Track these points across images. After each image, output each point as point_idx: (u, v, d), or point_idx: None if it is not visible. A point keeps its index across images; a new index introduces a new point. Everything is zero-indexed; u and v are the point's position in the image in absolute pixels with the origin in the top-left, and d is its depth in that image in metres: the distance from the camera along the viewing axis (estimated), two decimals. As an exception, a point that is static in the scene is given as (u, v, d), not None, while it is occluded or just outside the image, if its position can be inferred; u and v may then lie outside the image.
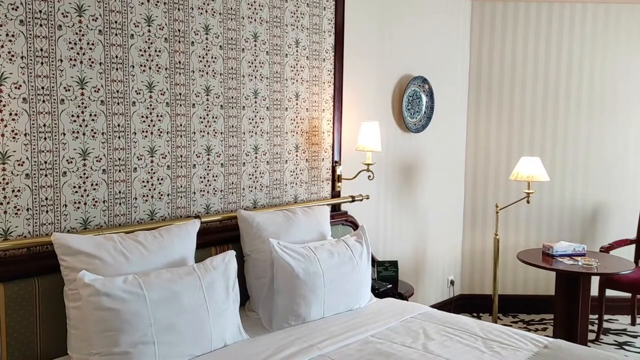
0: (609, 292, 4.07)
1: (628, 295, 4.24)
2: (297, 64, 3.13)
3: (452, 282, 4.48)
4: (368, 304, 2.90)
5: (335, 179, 3.42)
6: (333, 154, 3.40)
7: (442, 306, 4.23)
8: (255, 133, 2.95)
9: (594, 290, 4.00)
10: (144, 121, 2.48)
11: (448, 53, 4.28)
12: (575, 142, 4.45)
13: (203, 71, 2.69)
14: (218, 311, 2.24)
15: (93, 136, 2.32)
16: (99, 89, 2.31)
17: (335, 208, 3.45)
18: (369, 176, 3.38)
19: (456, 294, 4.54)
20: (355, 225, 3.43)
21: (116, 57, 2.36)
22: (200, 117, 2.70)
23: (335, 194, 3.44)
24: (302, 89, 3.17)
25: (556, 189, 4.46)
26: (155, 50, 2.49)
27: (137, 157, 2.47)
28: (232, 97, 2.83)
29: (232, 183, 2.87)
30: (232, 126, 2.84)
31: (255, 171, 2.97)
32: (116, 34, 2.35)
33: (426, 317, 2.73)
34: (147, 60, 2.47)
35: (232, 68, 2.81)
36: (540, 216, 4.49)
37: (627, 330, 4.21)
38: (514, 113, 4.46)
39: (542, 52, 4.40)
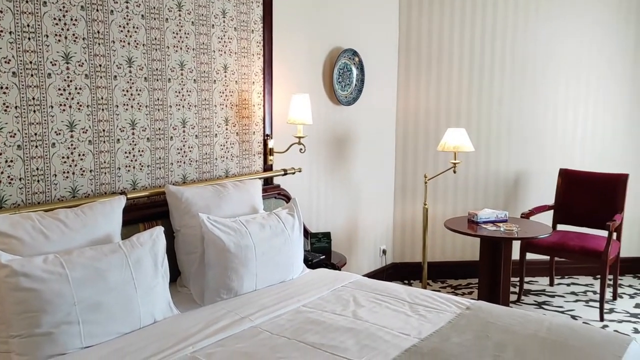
0: (530, 256, 4.31)
1: (546, 258, 4.52)
2: (224, 35, 3.06)
3: (384, 252, 4.61)
4: (300, 275, 2.94)
5: (267, 152, 3.41)
6: (264, 127, 3.38)
7: (375, 275, 4.35)
8: (183, 106, 2.88)
9: (516, 254, 4.23)
10: (62, 94, 2.36)
11: (377, 26, 4.31)
12: (498, 114, 4.63)
13: (124, 42, 2.58)
14: (146, 288, 2.20)
15: (5, 110, 2.19)
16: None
17: (267, 181, 3.44)
18: (301, 149, 3.39)
19: (388, 263, 4.67)
20: (288, 199, 3.44)
21: (27, 25, 2.22)
22: (123, 90, 2.60)
23: (267, 167, 3.43)
24: (231, 61, 3.12)
25: (481, 159, 4.64)
26: (71, 19, 2.37)
27: (55, 132, 2.36)
28: (157, 69, 2.74)
29: (160, 158, 2.80)
30: (158, 99, 2.76)
31: (184, 145, 2.91)
32: None
33: (356, 286, 2.81)
34: (62, 29, 2.34)
35: (155, 39, 2.71)
36: (467, 185, 4.67)
37: (546, 290, 4.49)
38: (442, 85, 4.57)
39: (468, 25, 4.52)
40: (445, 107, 4.59)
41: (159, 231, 2.37)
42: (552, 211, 4.45)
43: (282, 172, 3.44)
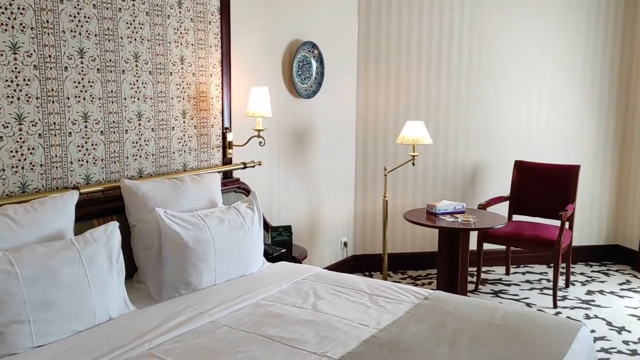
0: (486, 246, 4.40)
1: (503, 247, 4.63)
2: (180, 27, 3.01)
3: (345, 244, 4.63)
4: (261, 268, 2.93)
5: (226, 145, 3.37)
6: (223, 120, 3.34)
7: (336, 267, 4.38)
8: (138, 99, 2.82)
9: (473, 245, 4.31)
10: (9, 85, 2.27)
11: (337, 19, 4.31)
12: (456, 107, 4.70)
13: (75, 32, 2.50)
14: (101, 284, 2.16)
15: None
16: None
17: (227, 175, 3.41)
18: (260, 142, 3.37)
19: (349, 255, 4.70)
20: (247, 192, 3.42)
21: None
22: (75, 82, 2.52)
23: (226, 161, 3.39)
24: (188, 53, 3.06)
25: (439, 152, 4.71)
26: (18, 8, 2.28)
27: (3, 125, 2.27)
28: (110, 60, 2.67)
29: (114, 151, 2.73)
30: (112, 91, 2.69)
31: (140, 139, 2.85)
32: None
33: (317, 278, 2.82)
34: (9, 18, 2.25)
35: (108, 29, 2.64)
36: (426, 177, 4.74)
37: (502, 279, 4.60)
38: (401, 79, 4.61)
39: (426, 20, 4.57)
40: (404, 101, 4.64)
41: (113, 226, 2.32)
42: (508, 202, 4.57)
43: (242, 166, 3.41)
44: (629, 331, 3.55)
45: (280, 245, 3.52)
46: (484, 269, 4.74)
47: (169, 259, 2.50)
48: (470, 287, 4.34)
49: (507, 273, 4.70)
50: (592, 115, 4.90)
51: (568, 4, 4.74)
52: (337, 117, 4.42)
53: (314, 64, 4.03)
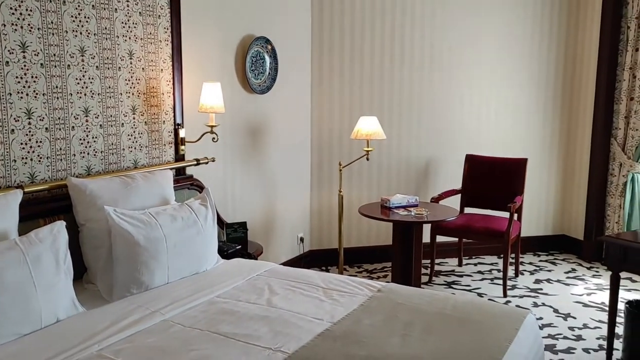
0: (439, 238, 4.50)
1: (455, 239, 4.74)
2: (129, 20, 2.94)
3: (301, 239, 4.64)
4: (215, 266, 2.90)
5: (178, 142, 3.32)
6: (175, 116, 3.29)
7: (293, 263, 4.38)
8: (85, 94, 2.74)
9: (427, 237, 4.40)
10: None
11: (290, 14, 4.30)
12: (409, 103, 4.78)
13: (17, 25, 2.41)
14: (47, 286, 2.10)
15: None
16: None
17: (180, 172, 3.36)
18: (214, 138, 3.33)
19: (306, 250, 4.72)
20: (201, 189, 3.38)
21: None
22: (17, 77, 2.43)
23: (179, 157, 3.34)
24: (137, 47, 3.00)
25: (393, 147, 4.78)
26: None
27: (-61, 122, 2.18)
28: (55, 55, 2.58)
29: (60, 149, 2.65)
30: (57, 87, 2.60)
31: (87, 135, 2.78)
32: None
33: (271, 274, 2.82)
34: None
35: (52, 22, 2.55)
36: (380, 172, 4.80)
37: (455, 271, 4.71)
38: (355, 74, 4.65)
39: (379, 16, 4.61)
40: (358, 96, 4.67)
41: (60, 226, 2.26)
42: (459, 195, 4.68)
43: (195, 162, 3.37)
44: (574, 317, 3.70)
45: (236, 241, 3.49)
46: (437, 260, 4.84)
47: (119, 258, 2.45)
48: (425, 279, 4.42)
49: (460, 264, 4.82)
50: (539, 111, 5.07)
51: (516, 4, 4.87)
52: (292, 113, 4.42)
53: (268, 60, 4.01)
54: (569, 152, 5.18)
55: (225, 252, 3.23)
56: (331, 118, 4.65)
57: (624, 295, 3.97)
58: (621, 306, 3.18)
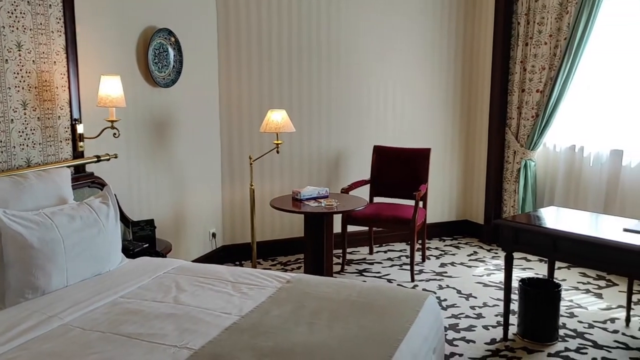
0: (351, 228, 4.61)
1: (366, 228, 4.87)
2: (15, 10, 2.75)
3: (213, 235, 4.58)
4: (119, 265, 2.81)
5: (76, 138, 3.16)
6: (71, 111, 3.13)
7: (206, 259, 4.32)
8: (-33, 88, 2.54)
9: (338, 228, 4.49)
10: None
11: (194, 5, 4.21)
12: (318, 96, 4.84)
13: None
14: None
15: None
16: None
17: (80, 170, 3.20)
18: (115, 133, 3.21)
19: (219, 246, 4.66)
20: (103, 187, 3.24)
21: None
22: None
23: (77, 154, 3.18)
24: (26, 39, 2.82)
25: (304, 139, 4.82)
26: None
27: None
28: None
29: (-60, 148, 2.45)
30: None
31: (-29, 133, 2.58)
32: None
33: (179, 271, 2.77)
34: None
35: None
36: (291, 165, 4.83)
37: (366, 259, 4.85)
38: (263, 67, 4.63)
39: (285, 9, 4.62)
40: (267, 89, 4.67)
41: (-60, 231, 2.09)
42: (369, 185, 4.81)
43: (95, 159, 3.22)
44: (475, 297, 3.93)
45: (143, 240, 3.39)
46: (349, 250, 4.95)
47: (11, 262, 2.31)
48: (337, 268, 4.51)
49: (371, 252, 4.96)
50: (441, 103, 5.30)
51: (421, 1, 5.06)
52: (200, 106, 4.34)
53: (172, 52, 3.90)
54: (469, 142, 5.46)
55: (131, 251, 3.13)
56: (240, 111, 4.61)
57: (520, 274, 4.27)
58: (516, 284, 3.41)
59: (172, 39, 3.88)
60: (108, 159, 3.30)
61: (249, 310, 2.28)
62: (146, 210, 3.79)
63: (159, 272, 2.74)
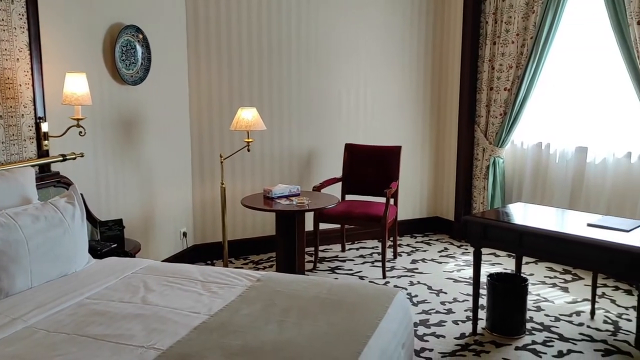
0: (323, 226, 4.61)
1: (338, 226, 4.89)
2: (-25, 4, 2.68)
3: (184, 234, 4.54)
4: (86, 266, 2.76)
5: (41, 137, 3.10)
6: (35, 109, 3.06)
7: (176, 259, 4.27)
8: None
9: (310, 226, 4.50)
10: None
11: (162, 2, 4.16)
12: (289, 94, 4.83)
13: None
14: None
15: None
16: None
17: (45, 169, 3.14)
18: (80, 132, 3.15)
19: (189, 245, 4.62)
20: (69, 186, 3.18)
21: None
22: None
23: (42, 153, 3.11)
24: (-13, 35, 2.75)
25: (275, 137, 4.81)
26: None
27: None
28: None
29: None
30: None
31: None
32: None
33: (148, 271, 2.73)
34: None
35: None
36: (263, 163, 4.81)
37: (339, 256, 4.86)
38: (234, 64, 4.60)
39: (255, 6, 4.59)
40: (237, 88, 4.64)
41: None
42: (340, 183, 4.82)
43: (61, 158, 3.16)
44: (446, 293, 3.98)
45: (111, 240, 3.34)
46: (321, 247, 4.96)
47: (-28, 264, 2.25)
48: (309, 266, 4.52)
49: (343, 250, 4.98)
50: (411, 101, 5.35)
51: (391, 1, 5.09)
52: (169, 104, 4.28)
53: (140, 49, 3.85)
54: (439, 139, 5.52)
55: (98, 252, 3.08)
56: (210, 110, 4.58)
57: (489, 270, 4.34)
58: (485, 279, 3.46)
59: (140, 36, 3.82)
60: (74, 158, 3.24)
61: (218, 309, 2.26)
62: (114, 209, 3.73)
63: (127, 272, 2.70)
